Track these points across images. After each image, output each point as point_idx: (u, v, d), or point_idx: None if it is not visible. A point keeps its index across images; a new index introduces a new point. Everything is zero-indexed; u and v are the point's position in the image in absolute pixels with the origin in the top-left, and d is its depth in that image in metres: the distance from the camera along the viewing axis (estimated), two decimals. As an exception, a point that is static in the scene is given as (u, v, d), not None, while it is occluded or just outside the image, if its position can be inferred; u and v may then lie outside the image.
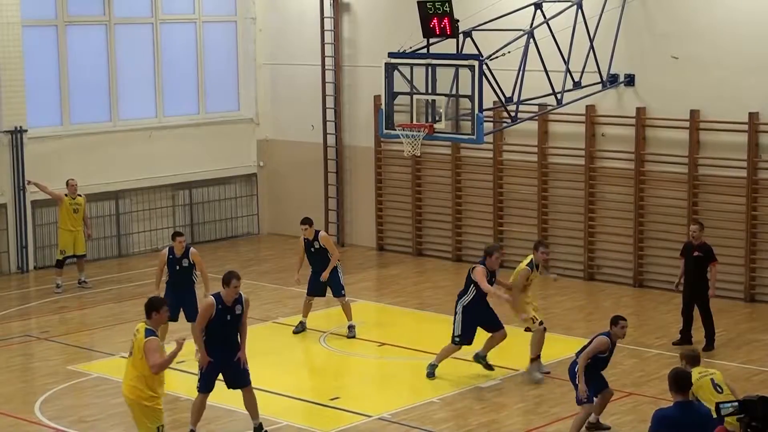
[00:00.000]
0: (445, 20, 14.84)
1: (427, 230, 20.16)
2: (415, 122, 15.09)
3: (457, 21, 14.95)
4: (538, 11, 16.05)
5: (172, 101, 21.05)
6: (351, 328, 14.94)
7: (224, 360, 11.12)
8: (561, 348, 14.49)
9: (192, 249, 14.01)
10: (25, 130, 18.82)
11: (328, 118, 21.03)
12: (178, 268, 13.88)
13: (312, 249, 14.95)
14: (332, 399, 12.58)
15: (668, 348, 14.36)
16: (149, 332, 9.73)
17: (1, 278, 18.65)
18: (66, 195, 17.59)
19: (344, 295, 15.03)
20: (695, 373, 9.97)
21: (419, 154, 16.25)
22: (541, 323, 13.21)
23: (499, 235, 19.11)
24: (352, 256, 20.35)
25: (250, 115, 22.04)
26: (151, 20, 20.65)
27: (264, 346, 14.30)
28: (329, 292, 15.05)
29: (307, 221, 15.01)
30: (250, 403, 11.35)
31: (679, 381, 8.17)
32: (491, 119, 17.51)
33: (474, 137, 14.92)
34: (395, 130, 15.32)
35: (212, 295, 11.10)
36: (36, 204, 19.08)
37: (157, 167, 20.54)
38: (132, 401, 9.89)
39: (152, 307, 9.91)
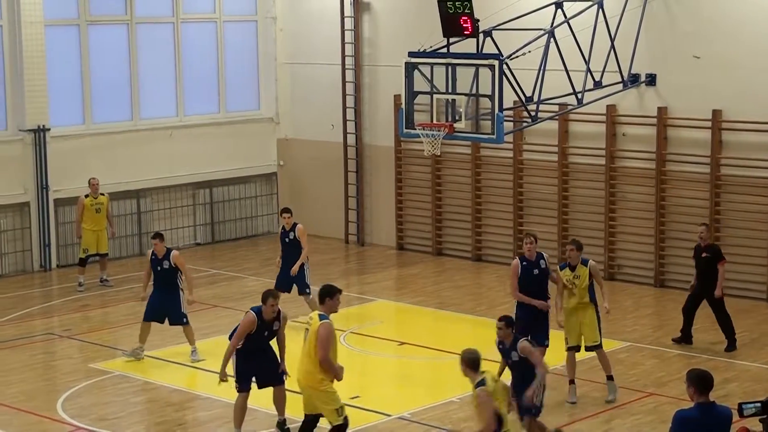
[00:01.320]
0: (466, 19, 14.83)
1: (447, 230, 20.15)
2: (435, 121, 15.08)
3: (478, 20, 14.93)
4: (559, 10, 16.01)
5: (192, 100, 21.14)
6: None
7: (260, 364, 11.33)
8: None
9: (174, 252, 14.10)
10: (48, 129, 18.93)
11: (348, 118, 21.05)
12: (159, 269, 13.98)
13: (287, 239, 15.31)
14: (352, 398, 12.58)
15: (689, 348, 14.31)
16: (322, 317, 10.36)
17: (24, 276, 18.78)
18: (87, 195, 17.63)
19: (309, 293, 15.11)
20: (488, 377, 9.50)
21: (439, 154, 16.25)
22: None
23: (519, 235, 19.08)
24: (371, 255, 20.39)
25: (270, 114, 22.09)
26: (172, 20, 20.73)
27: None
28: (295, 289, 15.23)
29: (288, 210, 15.54)
30: (280, 400, 11.55)
31: (701, 382, 8.13)
32: (511, 119, 17.48)
33: (494, 137, 14.90)
34: (415, 129, 15.32)
35: (253, 310, 11.24)
36: (59, 202, 19.19)
37: (177, 166, 20.63)
38: (306, 387, 10.40)
39: (326, 293, 10.53)
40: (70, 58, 19.49)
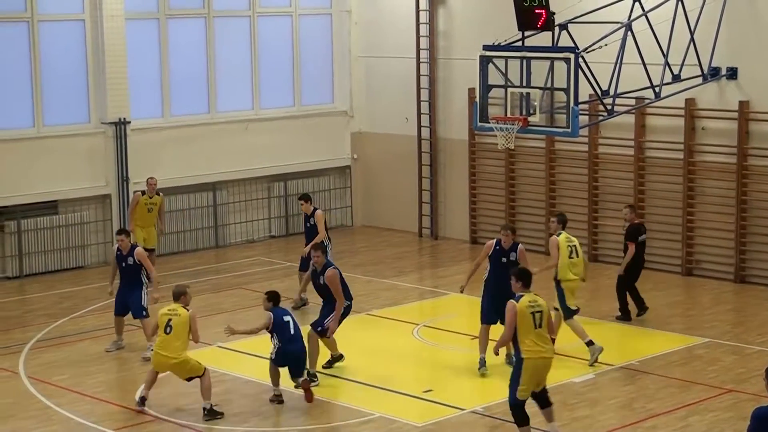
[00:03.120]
0: (541, 12, 14.73)
1: (521, 224, 20.03)
2: (509, 115, 15.03)
3: (553, 13, 14.82)
4: (636, 3, 15.81)
5: (268, 94, 21.32)
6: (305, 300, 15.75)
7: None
8: (658, 343, 14.33)
9: (138, 249, 14.34)
10: (129, 122, 19.26)
11: (423, 111, 21.06)
12: (124, 265, 14.22)
13: (308, 224, 15.88)
14: (425, 391, 12.63)
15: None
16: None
17: (107, 267, 19.02)
18: (143, 193, 17.52)
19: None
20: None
21: (513, 148, 16.17)
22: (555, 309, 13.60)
23: (594, 230, 18.92)
24: (445, 249, 20.37)
25: (344, 107, 22.19)
26: (248, 13, 20.94)
27: (357, 338, 14.42)
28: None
29: (305, 197, 16.12)
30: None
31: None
32: (587, 112, 17.33)
33: (569, 130, 14.78)
34: (489, 123, 15.27)
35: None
36: (138, 195, 19.52)
37: (253, 159, 20.84)
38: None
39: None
40: (149, 51, 19.79)
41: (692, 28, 16.23)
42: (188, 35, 20.31)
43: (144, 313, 14.16)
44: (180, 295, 12.08)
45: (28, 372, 13.59)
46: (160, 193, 17.71)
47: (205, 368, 11.97)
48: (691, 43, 16.24)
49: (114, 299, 14.49)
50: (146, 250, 17.43)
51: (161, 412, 12.09)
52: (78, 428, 11.79)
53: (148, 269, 14.29)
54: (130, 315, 14.32)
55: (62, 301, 16.92)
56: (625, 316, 15.35)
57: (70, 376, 13.43)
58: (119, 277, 14.37)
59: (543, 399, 10.84)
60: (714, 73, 16.96)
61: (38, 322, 15.86)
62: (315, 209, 15.98)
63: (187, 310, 12.00)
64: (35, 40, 18.54)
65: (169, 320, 11.85)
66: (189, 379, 12.08)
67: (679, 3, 16.09)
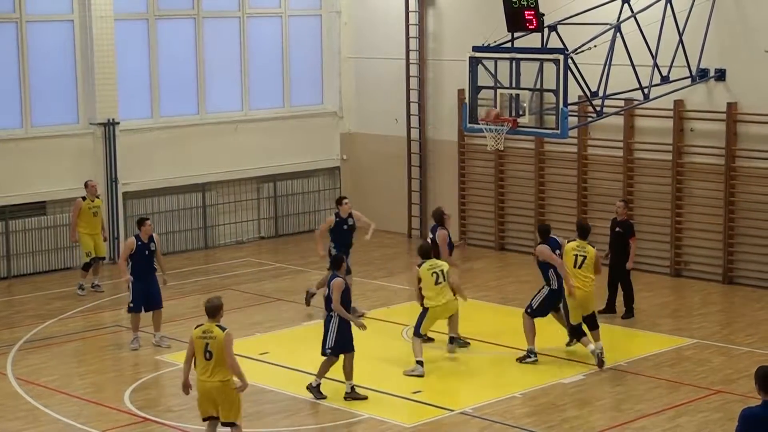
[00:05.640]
0: (530, 14, 14.75)
1: (510, 225, 20.08)
2: (499, 116, 15.03)
3: (542, 15, 14.85)
4: (626, 5, 15.84)
5: (257, 94, 21.31)
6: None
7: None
8: (647, 344, 14.37)
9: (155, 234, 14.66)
10: (117, 123, 19.22)
11: (412, 112, 21.07)
12: (147, 253, 14.39)
13: (345, 227, 15.67)
14: (414, 392, 12.63)
15: (759, 346, 14.13)
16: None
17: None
18: (84, 198, 17.06)
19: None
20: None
21: (502, 149, 16.19)
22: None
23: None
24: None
25: (334, 108, 22.18)
26: (238, 14, 20.92)
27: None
28: None
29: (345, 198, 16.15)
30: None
31: (763, 380, 8.02)
32: (576, 114, 17.36)
33: (558, 132, 14.81)
34: (479, 124, 15.29)
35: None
36: (127, 195, 19.48)
37: (242, 160, 20.81)
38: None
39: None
40: (138, 52, 19.76)
41: (681, 30, 16.27)
42: (177, 36, 20.28)
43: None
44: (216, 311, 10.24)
45: (15, 373, 13.55)
46: (99, 196, 17.44)
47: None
48: (680, 45, 16.29)
49: (133, 296, 14.42)
50: (98, 258, 17.14)
51: (150, 413, 12.06)
52: (66, 429, 11.76)
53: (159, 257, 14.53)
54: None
55: (50, 302, 16.87)
56: (609, 310, 15.49)
57: (58, 377, 13.39)
58: (132, 270, 14.37)
59: (592, 321, 13.50)
60: (702, 75, 17.01)
61: (26, 323, 15.81)
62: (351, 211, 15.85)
63: (223, 330, 10.14)
64: (23, 40, 18.49)
65: (207, 344, 10.07)
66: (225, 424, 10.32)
67: (668, 4, 16.13)
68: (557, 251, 13.56)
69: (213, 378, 9.99)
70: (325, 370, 12.41)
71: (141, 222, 14.55)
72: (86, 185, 17.22)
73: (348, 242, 15.68)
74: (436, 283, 13.30)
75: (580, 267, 13.59)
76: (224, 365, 9.97)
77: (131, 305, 14.38)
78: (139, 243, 14.34)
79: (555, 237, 13.81)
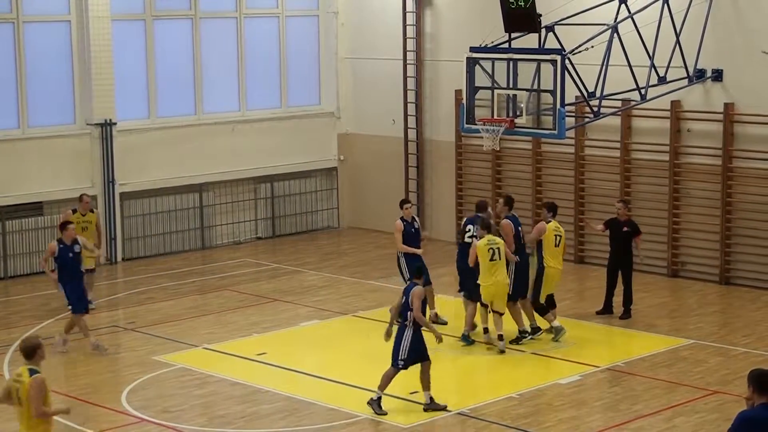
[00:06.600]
0: (528, 14, 14.74)
1: (508, 225, 20.05)
2: (496, 117, 15.04)
3: (540, 15, 14.85)
4: (623, 6, 15.85)
5: (254, 95, 21.30)
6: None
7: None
8: (644, 345, 14.37)
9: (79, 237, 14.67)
10: (114, 123, 19.20)
11: (409, 113, 21.07)
12: (71, 255, 14.36)
13: (412, 230, 15.19)
14: (411, 393, 12.61)
15: (755, 346, 14.13)
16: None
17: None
18: (74, 211, 16.38)
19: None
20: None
21: (499, 149, 16.19)
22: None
23: (581, 231, 18.96)
24: (432, 250, 20.29)
25: (331, 109, 22.18)
26: (235, 14, 20.92)
27: (343, 340, 14.41)
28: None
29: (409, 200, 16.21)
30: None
31: (764, 382, 8.01)
32: (573, 114, 17.37)
33: (555, 132, 14.83)
34: (476, 124, 15.30)
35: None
36: (124, 196, 19.47)
37: (239, 160, 20.81)
38: None
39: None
40: (135, 52, 19.75)
41: (678, 31, 16.27)
42: (175, 36, 20.27)
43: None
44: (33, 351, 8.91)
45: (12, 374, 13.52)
46: (94, 210, 16.86)
47: None
48: (677, 45, 16.29)
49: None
50: (87, 271, 16.19)
51: (146, 414, 12.05)
52: (63, 430, 11.73)
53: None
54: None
55: (47, 303, 16.85)
56: (606, 311, 15.51)
57: (55, 378, 13.35)
58: (60, 273, 14.34)
59: (552, 300, 14.13)
60: (699, 75, 17.02)
61: (23, 323, 15.80)
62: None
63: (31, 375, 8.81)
64: (20, 40, 18.47)
65: (17, 389, 8.86)
66: None
67: (665, 5, 16.14)
68: (519, 227, 14.32)
69: (21, 427, 8.81)
70: (387, 382, 11.92)
71: (63, 226, 14.54)
72: (80, 198, 16.65)
73: (417, 245, 15.11)
74: (491, 259, 13.63)
75: (558, 245, 14.22)
76: (30, 415, 8.70)
77: (71, 307, 14.26)
78: (62, 246, 14.31)
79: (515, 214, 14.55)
